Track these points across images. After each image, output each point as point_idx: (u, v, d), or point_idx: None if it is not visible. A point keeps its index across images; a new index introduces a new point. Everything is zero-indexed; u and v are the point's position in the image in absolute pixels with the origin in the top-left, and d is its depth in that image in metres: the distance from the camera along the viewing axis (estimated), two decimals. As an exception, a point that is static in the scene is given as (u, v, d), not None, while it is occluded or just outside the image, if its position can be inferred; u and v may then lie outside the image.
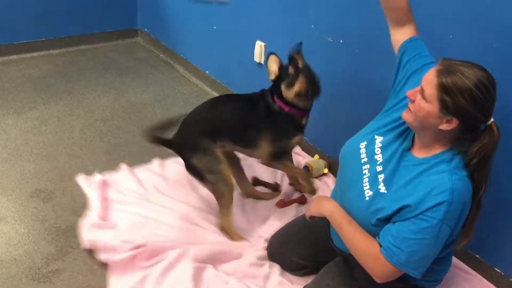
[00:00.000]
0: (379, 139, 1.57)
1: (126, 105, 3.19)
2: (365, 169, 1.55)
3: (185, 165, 2.18)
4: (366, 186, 1.52)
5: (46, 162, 2.53)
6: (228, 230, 2.16)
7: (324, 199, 1.67)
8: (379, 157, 1.53)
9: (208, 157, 2.11)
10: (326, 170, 2.57)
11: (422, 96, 1.35)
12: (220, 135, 2.13)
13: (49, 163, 2.53)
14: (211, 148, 2.12)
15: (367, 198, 1.50)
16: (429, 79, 1.34)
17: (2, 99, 3.08)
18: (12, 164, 2.49)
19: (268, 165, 2.18)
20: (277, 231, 2.04)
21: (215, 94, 3.32)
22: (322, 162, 2.57)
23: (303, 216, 1.84)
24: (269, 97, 2.09)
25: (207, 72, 3.52)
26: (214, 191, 2.16)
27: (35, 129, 2.82)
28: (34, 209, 2.19)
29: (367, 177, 1.53)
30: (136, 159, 2.59)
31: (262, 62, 2.92)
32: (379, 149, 1.54)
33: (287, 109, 2.04)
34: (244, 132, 2.13)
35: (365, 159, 1.56)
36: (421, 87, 1.36)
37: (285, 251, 1.94)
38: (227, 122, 2.15)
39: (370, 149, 1.57)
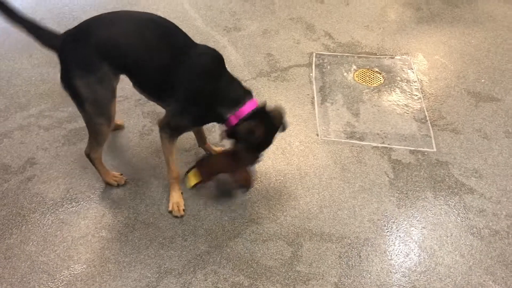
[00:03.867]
0: None
1: None
2: None
3: (62, 78, 1.77)
4: None
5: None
6: (95, 163, 2.07)
7: None
8: None
9: (101, 88, 1.78)
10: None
11: None
12: (130, 70, 1.82)
13: None
14: (110, 80, 1.80)
15: None
16: None
17: None
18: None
19: (160, 131, 1.95)
20: None
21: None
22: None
23: None
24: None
25: None
26: (89, 124, 1.90)
27: None
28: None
29: None
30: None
31: None
32: None
33: (234, 122, 1.86)
34: (162, 82, 1.82)
35: None
36: None
37: None
38: (149, 60, 1.78)
39: None
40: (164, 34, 1.81)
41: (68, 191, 2.14)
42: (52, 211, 2.06)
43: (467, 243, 1.98)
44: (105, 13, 1.82)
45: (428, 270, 1.88)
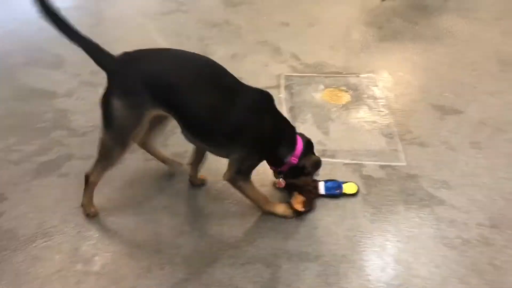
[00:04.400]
0: None
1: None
2: None
3: (102, 95, 1.80)
4: None
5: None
6: (89, 187, 2.04)
7: None
8: None
9: (133, 114, 1.79)
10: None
11: None
12: (172, 106, 1.81)
13: None
14: (145, 109, 1.80)
15: None
16: None
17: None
18: None
19: (231, 182, 2.01)
20: None
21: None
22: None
23: None
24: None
25: None
26: (103, 146, 1.88)
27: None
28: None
29: None
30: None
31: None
32: None
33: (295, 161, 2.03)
34: (209, 127, 1.85)
35: None
36: None
37: None
38: (192, 99, 1.78)
39: None
40: (216, 75, 1.85)
41: (40, 226, 2.10)
42: (24, 247, 2.02)
43: (441, 253, 2.03)
44: (163, 48, 1.94)
45: (405, 283, 1.91)
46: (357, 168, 2.42)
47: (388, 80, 3.09)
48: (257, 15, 3.73)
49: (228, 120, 1.84)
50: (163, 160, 2.37)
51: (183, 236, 2.08)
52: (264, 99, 1.95)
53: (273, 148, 2.00)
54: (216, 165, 2.16)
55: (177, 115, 1.85)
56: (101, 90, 1.82)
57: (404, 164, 2.46)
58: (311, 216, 2.17)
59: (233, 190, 2.28)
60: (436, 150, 2.55)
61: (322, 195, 2.25)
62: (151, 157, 2.40)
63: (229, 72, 1.89)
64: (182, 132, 1.94)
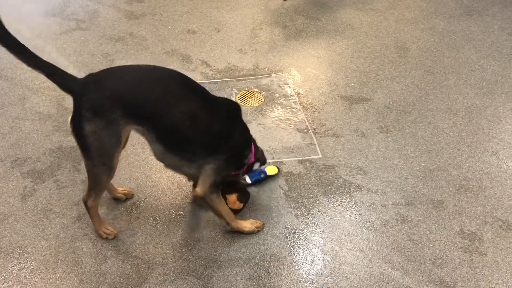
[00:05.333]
0: None
1: None
2: None
3: (71, 121, 1.72)
4: None
5: None
6: (91, 212, 2.02)
7: None
8: None
9: (109, 134, 1.72)
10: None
11: None
12: (145, 119, 1.74)
13: None
14: (120, 127, 1.73)
15: None
16: None
17: None
18: None
19: (202, 197, 1.91)
20: None
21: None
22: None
23: None
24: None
25: None
26: (90, 172, 1.83)
27: None
28: None
29: None
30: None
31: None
32: None
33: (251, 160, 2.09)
34: (185, 137, 1.79)
35: None
36: None
37: None
38: (167, 109, 1.73)
39: None
40: (186, 85, 1.82)
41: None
42: None
43: (364, 237, 2.11)
44: (127, 65, 1.86)
45: (333, 272, 1.97)
46: (278, 166, 2.46)
47: (297, 77, 3.17)
48: (161, 25, 3.68)
49: (208, 129, 1.82)
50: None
51: (107, 262, 1.99)
52: (235, 107, 1.98)
53: (243, 154, 2.05)
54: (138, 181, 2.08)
55: (151, 127, 1.77)
56: None
57: (320, 156, 2.53)
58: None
59: (154, 207, 2.23)
60: (348, 139, 2.65)
61: (250, 184, 2.31)
62: (63, 185, 2.28)
63: (196, 82, 1.88)
64: (152, 147, 1.84)
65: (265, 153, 2.52)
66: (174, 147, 1.82)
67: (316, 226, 2.16)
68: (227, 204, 2.10)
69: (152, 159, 1.99)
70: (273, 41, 3.59)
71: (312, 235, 2.12)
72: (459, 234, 2.12)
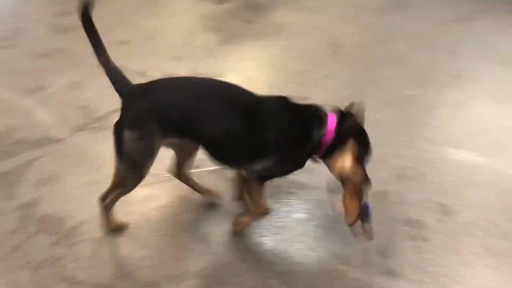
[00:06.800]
0: None
1: None
2: None
3: (116, 124, 1.78)
4: None
5: None
6: (106, 209, 2.04)
7: None
8: None
9: (145, 145, 1.78)
10: None
11: None
12: (182, 134, 1.79)
13: None
14: (155, 141, 1.79)
15: None
16: None
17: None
18: None
19: (247, 181, 1.92)
20: None
21: None
22: None
23: None
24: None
25: None
26: (118, 175, 1.90)
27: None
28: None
29: None
30: None
31: None
32: None
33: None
34: (225, 150, 1.83)
35: None
36: None
37: None
38: (205, 127, 1.76)
39: None
40: (229, 96, 1.80)
41: None
42: None
43: (313, 235, 2.13)
44: (176, 77, 1.92)
45: (286, 273, 1.97)
46: (222, 173, 2.43)
47: (237, 81, 3.13)
48: (93, 37, 3.56)
49: (246, 140, 1.79)
50: (199, 190, 2.27)
51: (49, 291, 1.89)
52: (279, 103, 1.86)
53: (306, 144, 1.84)
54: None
55: (190, 141, 1.85)
56: None
57: (264, 158, 2.53)
58: (184, 231, 2.13)
59: (91, 230, 2.14)
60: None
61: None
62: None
63: (242, 88, 1.85)
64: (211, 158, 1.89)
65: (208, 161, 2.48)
66: (216, 158, 1.88)
67: (266, 229, 2.15)
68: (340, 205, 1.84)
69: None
70: (209, 46, 3.56)
71: (263, 239, 2.11)
72: (403, 223, 2.18)
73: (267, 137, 1.78)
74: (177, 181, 2.22)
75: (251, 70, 3.27)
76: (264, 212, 2.14)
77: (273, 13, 4.04)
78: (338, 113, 1.87)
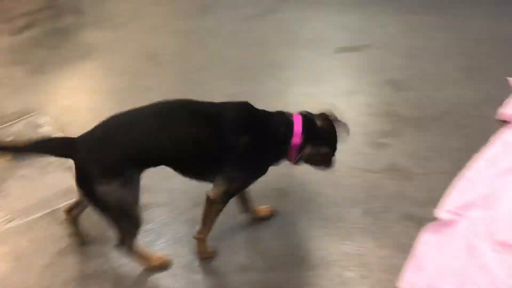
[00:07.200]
0: None
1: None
2: None
3: (80, 185, 1.64)
4: None
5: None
6: (132, 251, 1.86)
7: None
8: None
9: (127, 189, 1.64)
10: None
11: None
12: (159, 162, 1.73)
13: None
14: (136, 179, 1.68)
15: None
16: None
17: None
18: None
19: (212, 203, 1.83)
20: None
21: None
22: None
23: None
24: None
25: None
26: (117, 227, 1.74)
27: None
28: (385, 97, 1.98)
29: None
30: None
31: None
32: None
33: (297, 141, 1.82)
34: (202, 162, 1.77)
35: None
36: None
37: None
38: (178, 147, 1.70)
39: None
40: (185, 112, 1.75)
41: None
42: None
43: (163, 252, 2.06)
44: (118, 113, 1.71)
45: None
46: (52, 214, 2.22)
47: (54, 113, 2.92)
48: None
49: (207, 149, 1.74)
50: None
51: None
52: (240, 109, 1.82)
53: (272, 149, 1.85)
54: None
55: (167, 165, 1.78)
56: None
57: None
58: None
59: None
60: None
61: None
62: None
63: (200, 102, 1.81)
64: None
65: (34, 208, 2.26)
66: (188, 174, 1.85)
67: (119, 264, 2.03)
68: None
69: None
70: (15, 81, 3.24)
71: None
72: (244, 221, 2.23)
73: (232, 142, 1.74)
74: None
75: (69, 99, 3.06)
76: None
77: (81, 35, 3.83)
78: (303, 116, 1.89)
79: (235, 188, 1.85)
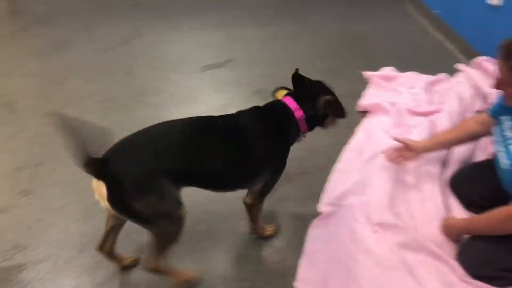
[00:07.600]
0: None
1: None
2: None
3: (113, 203, 1.54)
4: None
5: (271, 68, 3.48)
6: (166, 270, 1.80)
7: (446, 225, 1.97)
8: None
9: (165, 201, 1.60)
10: None
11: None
12: (191, 179, 1.68)
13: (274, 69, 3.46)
14: (172, 192, 1.62)
15: None
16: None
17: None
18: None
19: (251, 206, 1.97)
20: (463, 168, 2.26)
21: (438, 37, 3.99)
22: None
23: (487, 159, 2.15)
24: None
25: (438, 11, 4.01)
26: (160, 235, 1.68)
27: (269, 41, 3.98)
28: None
29: None
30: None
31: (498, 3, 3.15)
32: None
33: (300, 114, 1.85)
34: (229, 176, 1.77)
35: None
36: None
37: (469, 186, 2.11)
38: (207, 164, 1.67)
39: None
40: (203, 129, 1.73)
41: None
42: None
43: None
44: (142, 130, 1.66)
45: None
46: None
47: None
48: None
49: (235, 165, 1.75)
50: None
51: None
52: (252, 118, 1.84)
53: (284, 140, 1.89)
54: None
55: (199, 184, 1.75)
56: None
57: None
58: None
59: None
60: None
61: None
62: None
63: (215, 117, 1.83)
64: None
65: None
66: (220, 189, 1.90)
67: None
68: None
69: None
70: None
71: None
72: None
73: (259, 153, 1.78)
74: None
75: None
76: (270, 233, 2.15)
77: None
78: (289, 94, 1.94)
79: (269, 188, 1.95)
